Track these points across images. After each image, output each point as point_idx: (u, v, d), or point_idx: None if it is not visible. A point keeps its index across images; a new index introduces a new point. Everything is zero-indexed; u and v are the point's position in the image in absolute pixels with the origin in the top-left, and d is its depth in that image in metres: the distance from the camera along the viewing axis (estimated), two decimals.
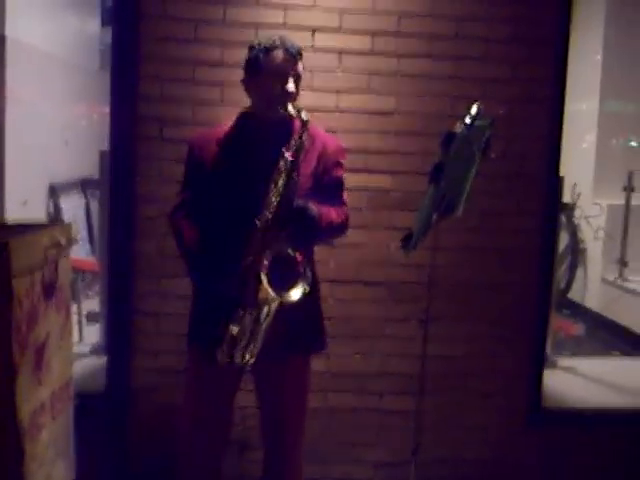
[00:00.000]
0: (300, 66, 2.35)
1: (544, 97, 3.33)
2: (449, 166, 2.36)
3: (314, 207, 2.28)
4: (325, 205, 2.35)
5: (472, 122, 2.35)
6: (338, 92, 3.29)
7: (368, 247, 3.36)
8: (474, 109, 2.37)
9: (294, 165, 2.25)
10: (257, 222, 2.24)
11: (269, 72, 2.30)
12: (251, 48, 2.36)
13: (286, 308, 2.23)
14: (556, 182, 3.44)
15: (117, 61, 3.23)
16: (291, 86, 2.30)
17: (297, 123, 2.29)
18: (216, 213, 2.38)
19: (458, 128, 2.34)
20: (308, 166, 2.36)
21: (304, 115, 2.25)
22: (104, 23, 6.71)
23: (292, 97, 2.31)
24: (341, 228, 2.46)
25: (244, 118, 2.46)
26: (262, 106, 2.37)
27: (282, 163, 2.24)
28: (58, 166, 5.84)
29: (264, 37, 2.37)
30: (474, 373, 3.43)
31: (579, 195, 5.92)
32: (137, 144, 3.20)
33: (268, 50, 2.31)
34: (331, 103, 3.28)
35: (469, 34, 3.30)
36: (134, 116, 3.19)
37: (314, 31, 3.24)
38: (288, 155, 2.24)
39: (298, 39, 2.50)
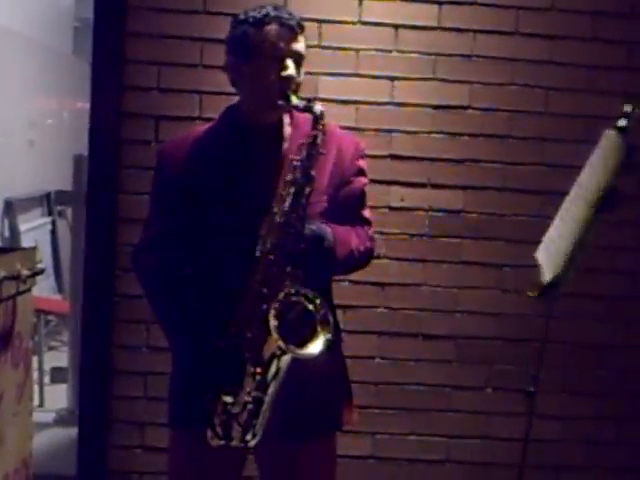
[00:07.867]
0: (302, 43, 2.17)
1: None
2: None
3: (329, 233, 2.10)
4: (340, 227, 2.17)
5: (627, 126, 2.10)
6: (393, 79, 2.97)
7: (430, 288, 3.04)
8: (628, 107, 2.13)
9: (306, 175, 2.04)
10: (258, 253, 2.07)
11: (262, 53, 2.12)
12: (236, 23, 2.16)
13: (298, 371, 2.04)
14: None
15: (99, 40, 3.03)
16: (291, 69, 2.09)
17: (303, 121, 2.14)
18: (199, 248, 2.21)
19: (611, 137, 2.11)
20: (320, 180, 2.15)
21: (317, 108, 2.04)
22: None
23: (294, 84, 2.13)
24: (362, 259, 2.26)
25: (230, 117, 2.27)
26: (254, 100, 2.17)
27: (290, 176, 2.05)
28: (17, 175, 5.65)
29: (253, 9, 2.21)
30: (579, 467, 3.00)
31: None
32: (123, 148, 3.02)
33: (259, 24, 2.11)
34: (384, 93, 2.96)
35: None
36: (120, 111, 3.00)
37: None
38: (296, 162, 2.04)
39: None
